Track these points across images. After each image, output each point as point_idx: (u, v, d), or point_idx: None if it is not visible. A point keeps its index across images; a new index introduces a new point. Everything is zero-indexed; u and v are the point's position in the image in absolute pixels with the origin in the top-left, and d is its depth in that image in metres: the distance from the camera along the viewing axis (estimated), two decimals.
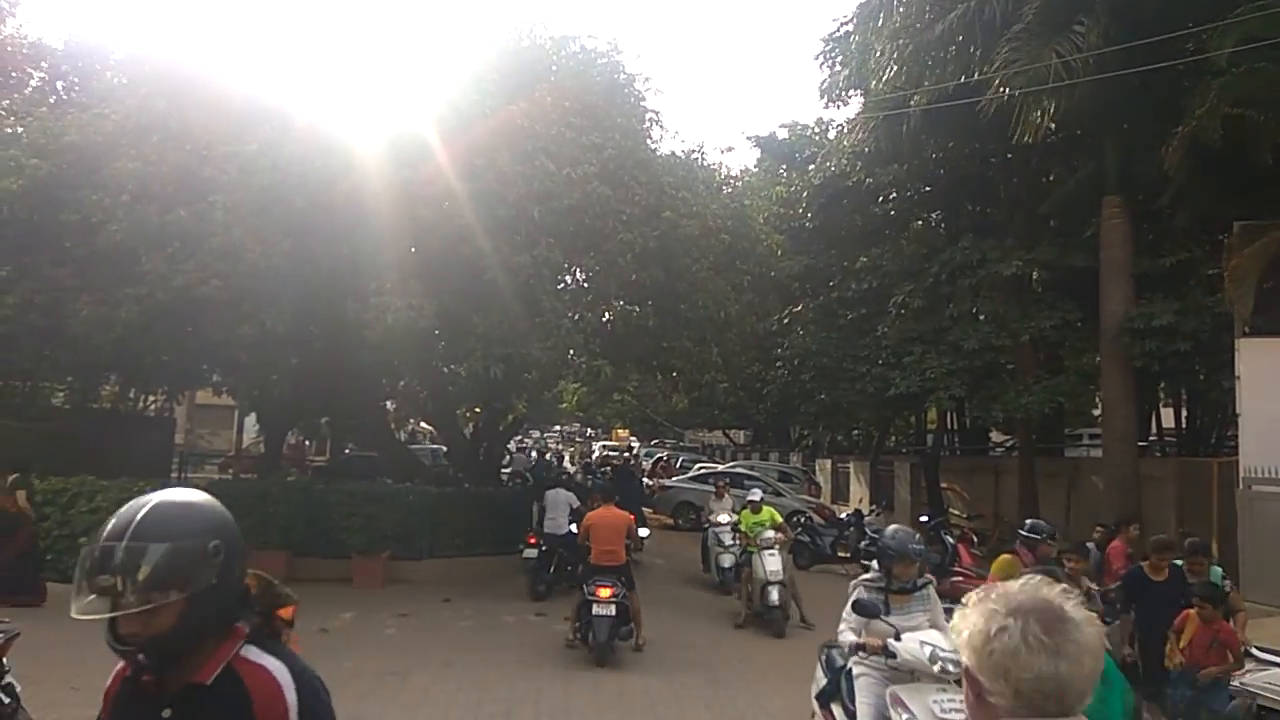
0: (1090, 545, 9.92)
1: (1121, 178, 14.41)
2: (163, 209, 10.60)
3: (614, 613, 8.75)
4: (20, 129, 11.82)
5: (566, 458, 40.12)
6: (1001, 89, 13.42)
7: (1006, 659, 1.38)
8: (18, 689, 4.74)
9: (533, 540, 12.49)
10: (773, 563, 10.94)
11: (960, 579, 12.33)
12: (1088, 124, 15.33)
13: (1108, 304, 14.35)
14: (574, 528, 11.27)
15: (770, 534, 11.33)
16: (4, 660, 4.70)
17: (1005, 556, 7.12)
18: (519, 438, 33.05)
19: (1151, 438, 20.82)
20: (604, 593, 8.73)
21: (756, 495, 12.58)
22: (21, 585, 9.90)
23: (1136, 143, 14.24)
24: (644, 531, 13.91)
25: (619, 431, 59.77)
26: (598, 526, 9.37)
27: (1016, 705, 1.38)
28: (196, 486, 12.68)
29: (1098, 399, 18.94)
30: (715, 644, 10.30)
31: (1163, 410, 22.58)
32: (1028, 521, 7.74)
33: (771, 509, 12.27)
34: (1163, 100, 13.36)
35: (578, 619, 9.17)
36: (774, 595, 10.74)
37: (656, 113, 15.68)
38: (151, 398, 17.82)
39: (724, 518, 13.28)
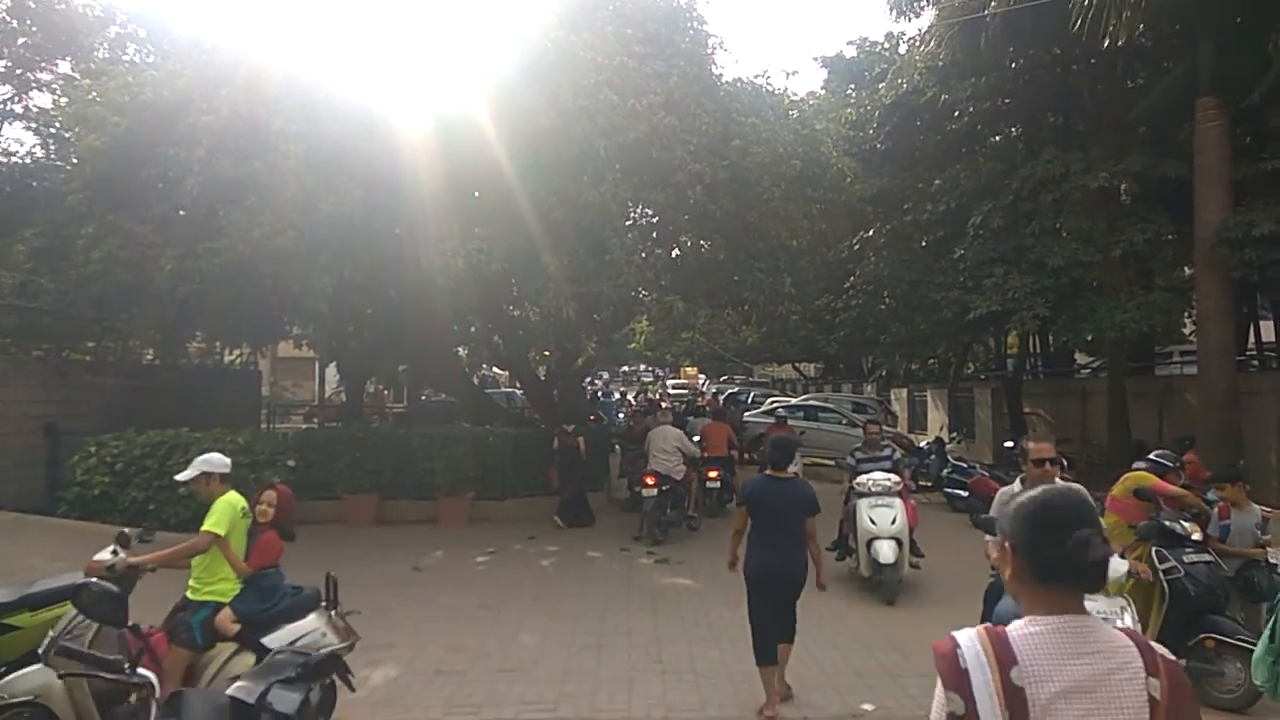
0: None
1: (1216, 77, 13.46)
2: (237, 161, 10.68)
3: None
4: (94, 94, 11.95)
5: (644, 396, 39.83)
6: None
7: None
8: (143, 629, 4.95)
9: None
10: None
11: None
12: (1179, 21, 14.33)
13: (1203, 213, 13.56)
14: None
15: None
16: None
17: (1139, 473, 6.70)
18: (590, 379, 33.26)
19: (1249, 351, 19.84)
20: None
21: None
22: (582, 512, 13.15)
23: (1232, 39, 13.27)
24: None
25: (687, 370, 59.76)
26: (709, 434, 13.92)
27: None
28: (284, 435, 13.02)
29: (1187, 317, 18.11)
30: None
31: (1261, 323, 21.48)
32: (1154, 453, 7.21)
33: None
34: None
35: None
36: None
37: (719, 38, 15.16)
38: (236, 352, 18.34)
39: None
